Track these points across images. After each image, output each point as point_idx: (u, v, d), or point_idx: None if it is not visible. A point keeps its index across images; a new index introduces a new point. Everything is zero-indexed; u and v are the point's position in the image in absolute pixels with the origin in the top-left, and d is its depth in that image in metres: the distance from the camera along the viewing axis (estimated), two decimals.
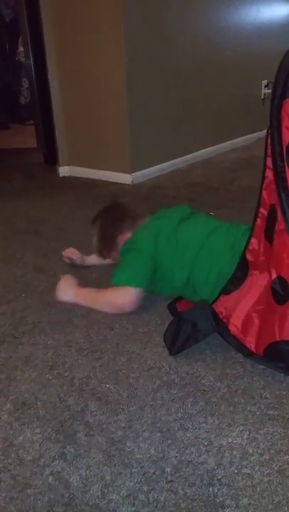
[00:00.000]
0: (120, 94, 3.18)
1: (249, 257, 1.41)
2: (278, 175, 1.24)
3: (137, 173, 3.37)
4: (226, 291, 1.45)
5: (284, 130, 1.23)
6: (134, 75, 3.16)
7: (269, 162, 1.29)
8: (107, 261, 1.96)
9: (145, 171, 3.43)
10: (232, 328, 1.42)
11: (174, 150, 3.65)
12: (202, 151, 3.89)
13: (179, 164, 3.67)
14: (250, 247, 1.41)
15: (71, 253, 2.06)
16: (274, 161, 1.25)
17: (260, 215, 1.37)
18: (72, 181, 3.55)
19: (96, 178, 3.47)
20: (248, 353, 1.40)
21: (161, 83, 3.38)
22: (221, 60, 3.83)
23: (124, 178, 3.36)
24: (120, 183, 3.36)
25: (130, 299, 1.66)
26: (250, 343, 1.39)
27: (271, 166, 1.28)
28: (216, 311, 1.46)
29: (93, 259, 2.04)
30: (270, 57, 4.52)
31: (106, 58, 3.16)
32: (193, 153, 3.81)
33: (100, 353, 1.50)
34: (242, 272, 1.43)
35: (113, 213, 1.90)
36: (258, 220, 1.37)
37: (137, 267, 1.65)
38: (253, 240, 1.40)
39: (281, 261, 1.26)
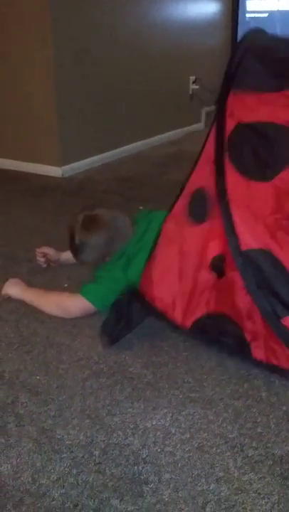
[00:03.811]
0: (49, 88, 3.16)
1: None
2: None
3: (67, 166, 3.38)
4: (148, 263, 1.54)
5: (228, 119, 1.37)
6: (63, 68, 3.16)
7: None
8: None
9: (75, 164, 3.44)
10: (158, 303, 1.49)
11: (104, 144, 3.68)
12: (132, 144, 3.95)
13: (109, 158, 3.71)
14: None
15: (46, 249, 2.00)
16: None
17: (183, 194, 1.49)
18: None
19: (25, 170, 3.44)
20: (174, 327, 1.50)
21: (90, 77, 3.39)
22: (150, 55, 3.90)
23: (54, 171, 3.35)
24: (50, 176, 3.35)
25: (84, 311, 1.65)
26: (178, 316, 1.48)
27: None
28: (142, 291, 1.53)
29: (68, 256, 1.93)
30: (198, 53, 4.70)
31: (34, 51, 3.13)
32: (124, 147, 3.86)
33: (30, 346, 1.54)
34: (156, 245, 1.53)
35: (107, 233, 1.70)
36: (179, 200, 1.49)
37: (109, 292, 1.61)
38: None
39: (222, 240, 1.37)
